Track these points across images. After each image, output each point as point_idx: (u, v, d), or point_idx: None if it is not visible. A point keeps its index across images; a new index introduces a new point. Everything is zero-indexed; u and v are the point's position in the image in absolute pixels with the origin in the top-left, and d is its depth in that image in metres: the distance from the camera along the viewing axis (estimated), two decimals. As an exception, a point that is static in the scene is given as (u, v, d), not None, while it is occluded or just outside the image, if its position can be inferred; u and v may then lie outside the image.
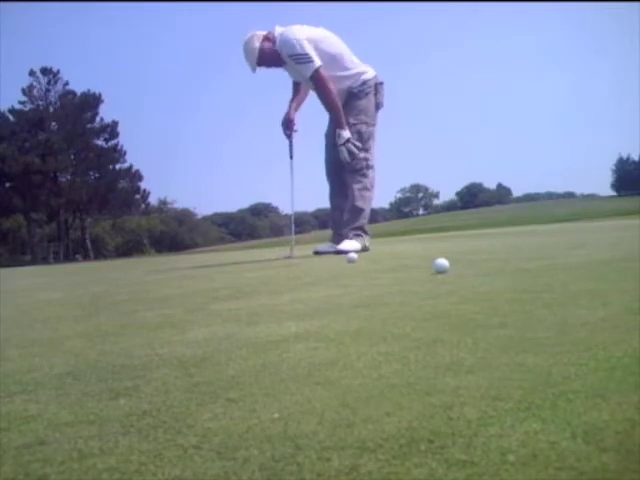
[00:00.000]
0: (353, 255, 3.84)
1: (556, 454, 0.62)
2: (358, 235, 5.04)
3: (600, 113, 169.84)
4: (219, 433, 0.78)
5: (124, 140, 45.08)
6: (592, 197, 77.63)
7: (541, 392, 0.83)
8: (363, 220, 5.11)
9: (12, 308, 2.95)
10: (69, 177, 43.23)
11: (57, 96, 42.82)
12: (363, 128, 5.07)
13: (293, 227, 6.28)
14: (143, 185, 44.76)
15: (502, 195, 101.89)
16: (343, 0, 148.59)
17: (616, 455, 0.61)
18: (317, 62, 4.83)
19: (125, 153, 44.22)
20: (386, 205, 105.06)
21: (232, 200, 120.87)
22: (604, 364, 0.94)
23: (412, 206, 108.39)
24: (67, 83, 43.15)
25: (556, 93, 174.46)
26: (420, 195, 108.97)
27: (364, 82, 5.09)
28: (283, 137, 5.43)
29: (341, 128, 4.94)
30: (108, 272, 7.14)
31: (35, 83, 42.39)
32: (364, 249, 4.96)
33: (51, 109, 42.52)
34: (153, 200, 53.05)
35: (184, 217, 67.64)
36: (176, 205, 69.20)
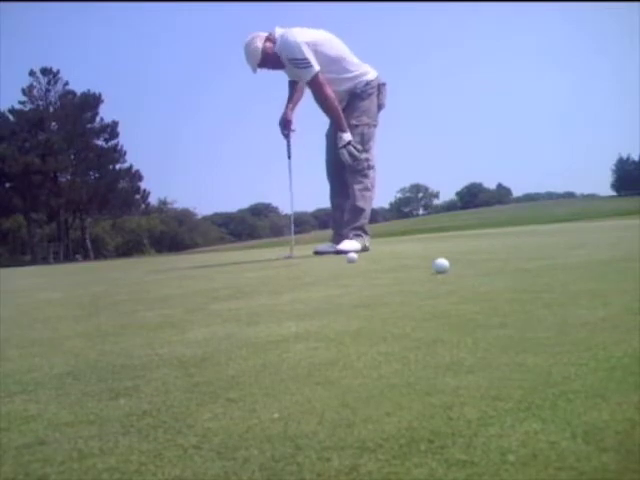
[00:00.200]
0: (353, 255, 3.84)
1: (556, 454, 0.62)
2: (358, 235, 5.04)
3: (600, 113, 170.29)
4: (219, 433, 0.78)
5: (124, 140, 45.22)
6: (592, 197, 77.68)
7: (541, 392, 0.83)
8: (364, 220, 5.11)
9: (12, 308, 2.95)
10: (69, 177, 43.26)
11: (57, 96, 42.87)
12: (365, 129, 5.07)
13: (293, 227, 6.29)
14: (143, 185, 44.93)
15: (502, 195, 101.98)
16: (343, 0, 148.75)
17: (616, 455, 0.61)
18: (316, 67, 4.83)
19: (125, 153, 44.36)
20: (386, 205, 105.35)
21: (232, 200, 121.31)
22: (604, 364, 0.94)
23: (412, 206, 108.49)
24: (67, 83, 43.28)
25: (556, 93, 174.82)
26: (420, 195, 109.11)
27: (367, 83, 5.09)
28: (282, 137, 5.43)
29: (342, 131, 4.94)
30: (108, 272, 7.14)
31: (35, 83, 42.50)
32: (364, 249, 4.96)
33: (51, 109, 42.55)
34: (153, 200, 53.21)
35: (184, 217, 67.67)
36: (176, 205, 69.40)
